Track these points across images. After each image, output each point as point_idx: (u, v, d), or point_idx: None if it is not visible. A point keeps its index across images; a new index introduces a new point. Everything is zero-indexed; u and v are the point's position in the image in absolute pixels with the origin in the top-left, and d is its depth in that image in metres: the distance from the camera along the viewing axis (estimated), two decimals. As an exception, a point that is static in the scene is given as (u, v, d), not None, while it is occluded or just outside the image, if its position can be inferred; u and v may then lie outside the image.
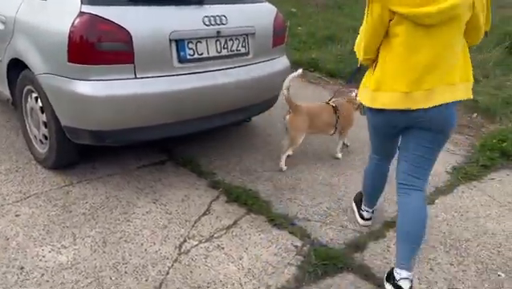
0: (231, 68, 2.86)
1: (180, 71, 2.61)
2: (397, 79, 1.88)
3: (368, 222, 2.58)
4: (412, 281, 1.99)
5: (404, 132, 2.05)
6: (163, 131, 2.67)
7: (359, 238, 2.48)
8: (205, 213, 2.58)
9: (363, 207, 2.58)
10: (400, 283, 1.97)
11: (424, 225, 2.03)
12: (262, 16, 3.06)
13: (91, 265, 2.12)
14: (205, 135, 3.48)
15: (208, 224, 2.49)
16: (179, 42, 2.58)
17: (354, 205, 2.69)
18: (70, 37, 2.36)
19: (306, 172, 3.14)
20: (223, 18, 2.74)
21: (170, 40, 2.54)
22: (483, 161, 3.41)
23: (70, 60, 2.39)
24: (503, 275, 2.25)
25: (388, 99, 1.91)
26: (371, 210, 2.58)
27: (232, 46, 2.84)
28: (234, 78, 2.86)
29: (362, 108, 2.67)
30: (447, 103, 1.89)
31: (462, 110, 4.45)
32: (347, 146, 3.54)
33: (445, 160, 3.43)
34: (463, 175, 3.23)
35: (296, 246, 2.36)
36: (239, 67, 2.91)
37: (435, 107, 1.88)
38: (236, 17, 2.83)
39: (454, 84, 1.88)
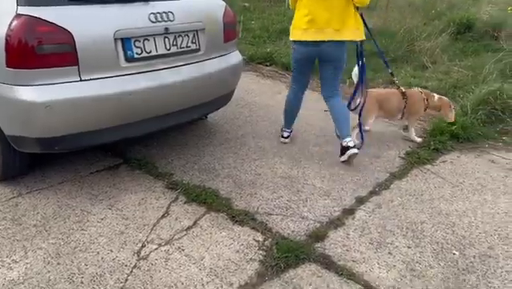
0: (182, 65, 2.81)
1: (128, 71, 2.54)
2: (302, 20, 3.00)
3: (287, 140, 3.51)
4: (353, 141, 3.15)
5: (319, 66, 3.17)
6: (114, 134, 2.59)
7: (320, 228, 2.50)
8: (163, 216, 2.52)
9: (284, 129, 3.51)
10: (348, 144, 3.11)
11: (348, 112, 3.24)
12: (211, 11, 3.02)
13: (45, 278, 2.02)
14: (162, 135, 3.41)
15: (167, 226, 2.44)
16: (125, 41, 2.51)
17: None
18: (7, 41, 2.24)
19: (265, 166, 3.13)
20: (170, 14, 2.68)
21: (115, 39, 2.46)
22: (434, 145, 3.52)
23: (9, 65, 2.27)
24: (457, 254, 2.33)
25: (298, 35, 3.05)
26: (289, 130, 3.53)
27: (182, 42, 2.78)
28: (186, 75, 2.82)
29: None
30: (334, 41, 2.97)
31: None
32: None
33: (398, 146, 3.53)
34: (416, 159, 3.32)
35: (258, 241, 2.35)
36: (191, 63, 2.86)
37: (324, 42, 2.97)
38: (183, 13, 2.77)
39: (339, 30, 2.95)
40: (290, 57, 6.08)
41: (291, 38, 3.12)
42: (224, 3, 3.18)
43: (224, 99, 3.32)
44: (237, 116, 4.03)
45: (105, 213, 2.52)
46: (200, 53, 2.92)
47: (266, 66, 5.93)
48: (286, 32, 7.65)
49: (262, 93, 4.80)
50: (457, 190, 2.96)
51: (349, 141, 3.11)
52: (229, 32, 3.17)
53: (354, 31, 2.98)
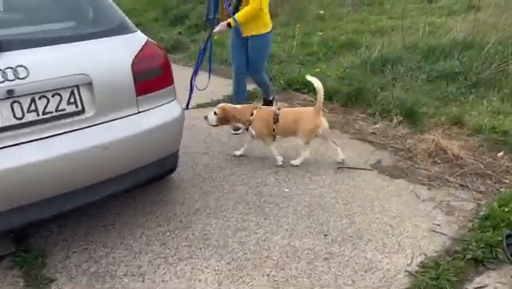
0: (53, 136, 2.00)
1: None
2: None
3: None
4: None
5: None
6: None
7: None
8: None
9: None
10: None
11: None
12: (107, 56, 2.16)
13: None
14: (94, 211, 2.65)
15: None
16: None
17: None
18: None
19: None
20: (20, 69, 1.88)
21: None
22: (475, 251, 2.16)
23: None
24: None
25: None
26: None
27: (47, 106, 1.98)
28: (60, 149, 2.00)
29: None
30: None
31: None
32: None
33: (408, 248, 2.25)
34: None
35: None
36: (68, 132, 2.04)
37: None
38: (46, 65, 1.97)
39: None
40: (338, 81, 4.99)
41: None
42: (142, 39, 2.30)
43: (156, 167, 2.43)
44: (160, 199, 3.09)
45: None
46: (85, 116, 2.08)
47: (303, 93, 4.83)
48: (349, 46, 6.50)
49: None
50: None
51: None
52: (148, 81, 2.28)
53: None
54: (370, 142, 3.58)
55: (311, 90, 4.81)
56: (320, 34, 7.19)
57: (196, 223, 2.57)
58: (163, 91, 2.37)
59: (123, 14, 2.38)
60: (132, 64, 2.19)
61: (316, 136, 3.19)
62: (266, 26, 3.72)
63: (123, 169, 2.24)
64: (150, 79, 2.29)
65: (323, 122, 3.14)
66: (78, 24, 2.23)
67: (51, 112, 1.99)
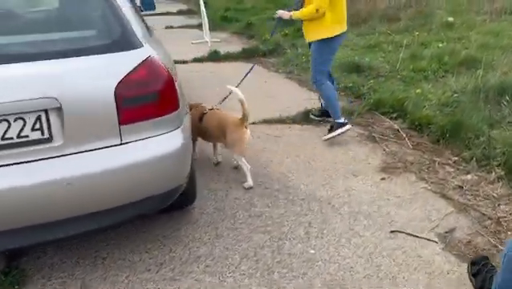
0: (10, 166, 1.77)
1: None
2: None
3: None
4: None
5: None
6: None
7: None
8: None
9: (340, 121, 3.63)
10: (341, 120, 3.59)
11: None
12: (86, 77, 1.84)
13: None
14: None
15: None
16: None
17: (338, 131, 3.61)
18: None
19: None
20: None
21: None
22: None
23: None
24: None
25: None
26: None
27: (7, 131, 1.74)
28: (13, 180, 1.77)
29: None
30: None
31: None
32: None
33: None
34: None
35: None
36: (30, 162, 1.79)
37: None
38: (7, 85, 1.73)
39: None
40: (438, 108, 4.06)
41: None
42: (139, 58, 1.94)
43: (148, 203, 2.09)
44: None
45: None
46: (52, 145, 1.81)
47: (390, 118, 4.07)
48: (469, 64, 5.35)
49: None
50: None
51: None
52: (138, 108, 1.93)
53: None
54: (450, 199, 2.77)
55: (402, 116, 4.05)
56: (440, 45, 6.16)
57: (187, 276, 2.17)
58: (159, 120, 2.00)
59: (134, 25, 2.06)
60: (117, 88, 1.86)
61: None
62: (326, 30, 3.47)
63: (97, 207, 1.93)
64: (141, 105, 1.94)
65: (248, 134, 2.94)
66: (60, 37, 1.96)
67: (11, 138, 1.75)
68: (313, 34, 3.57)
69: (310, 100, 4.57)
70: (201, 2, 8.35)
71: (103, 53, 1.89)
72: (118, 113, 1.88)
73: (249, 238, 2.44)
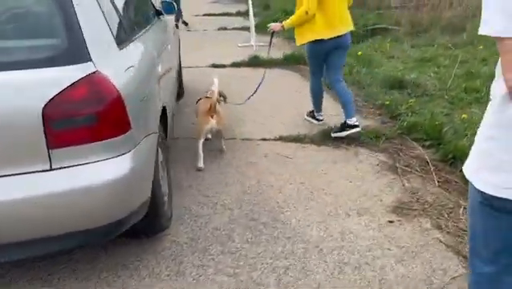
0: None
1: None
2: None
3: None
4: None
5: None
6: None
7: None
8: None
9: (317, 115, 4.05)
10: (356, 123, 3.63)
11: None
12: (5, 96, 1.65)
13: None
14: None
15: None
16: None
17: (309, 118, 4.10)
18: None
19: None
20: None
21: None
22: None
23: None
24: None
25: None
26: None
27: None
28: None
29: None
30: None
31: None
32: None
33: None
34: None
35: None
36: None
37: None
38: None
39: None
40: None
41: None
42: (79, 75, 1.72)
43: (81, 236, 1.88)
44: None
45: None
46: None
47: (422, 146, 3.56)
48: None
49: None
50: None
51: (355, 121, 3.64)
52: (73, 131, 1.72)
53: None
54: (464, 258, 2.27)
55: (436, 144, 3.53)
56: None
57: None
58: (101, 144, 1.78)
59: (90, 35, 1.84)
60: (45, 108, 1.65)
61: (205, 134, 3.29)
62: (314, 33, 3.51)
63: (17, 237, 1.75)
64: (77, 128, 1.73)
65: (212, 123, 3.24)
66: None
67: None
68: (300, 37, 3.63)
69: (338, 117, 4.16)
70: (250, 4, 8.13)
71: (36, 67, 1.70)
72: (46, 136, 1.67)
73: (212, 281, 2.15)
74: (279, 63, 6.33)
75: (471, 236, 1.41)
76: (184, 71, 5.28)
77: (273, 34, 3.94)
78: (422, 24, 7.42)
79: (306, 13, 3.38)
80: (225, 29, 9.72)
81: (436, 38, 6.97)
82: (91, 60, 1.79)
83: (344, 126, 3.67)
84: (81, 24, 1.83)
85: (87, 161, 1.76)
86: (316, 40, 3.53)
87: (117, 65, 1.95)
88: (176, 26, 10.19)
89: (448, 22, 7.42)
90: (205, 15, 11.97)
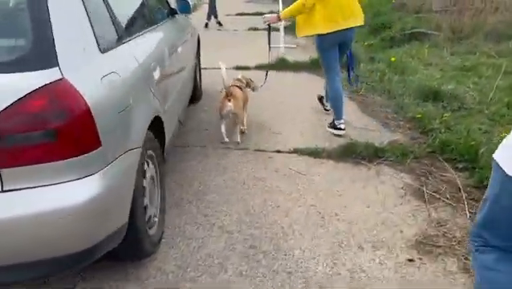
0: None
1: None
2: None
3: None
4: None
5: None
6: None
7: None
8: None
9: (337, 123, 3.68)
10: (341, 126, 3.62)
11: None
12: None
13: None
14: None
15: None
16: None
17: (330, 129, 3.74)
18: None
19: None
20: None
21: None
22: None
23: None
24: None
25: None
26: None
27: None
28: None
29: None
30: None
31: None
32: None
33: None
34: None
35: None
36: None
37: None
38: None
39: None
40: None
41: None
42: (39, 83, 1.48)
43: (38, 268, 1.64)
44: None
45: None
46: None
47: (455, 169, 3.16)
48: None
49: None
50: None
51: (342, 124, 3.64)
52: (26, 149, 1.47)
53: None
54: None
55: (470, 168, 3.12)
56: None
57: None
58: (64, 164, 1.53)
59: (61, 37, 1.60)
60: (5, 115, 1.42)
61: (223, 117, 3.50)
62: (315, 27, 3.41)
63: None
64: (34, 144, 1.49)
65: (229, 105, 3.44)
66: None
67: None
68: (298, 30, 3.57)
69: (362, 131, 3.81)
70: (280, 4, 7.82)
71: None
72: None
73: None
74: (306, 67, 6.02)
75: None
76: (205, 73, 5.05)
77: (270, 27, 3.84)
78: (464, 30, 6.89)
79: (304, 5, 3.33)
80: (256, 29, 9.42)
81: (478, 45, 6.44)
82: (57, 65, 1.54)
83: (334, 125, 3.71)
84: (52, 21, 1.59)
85: (45, 183, 1.52)
86: (322, 34, 3.44)
87: (93, 71, 1.70)
88: (206, 26, 10.10)
89: (492, 28, 6.86)
90: (237, 15, 11.74)
